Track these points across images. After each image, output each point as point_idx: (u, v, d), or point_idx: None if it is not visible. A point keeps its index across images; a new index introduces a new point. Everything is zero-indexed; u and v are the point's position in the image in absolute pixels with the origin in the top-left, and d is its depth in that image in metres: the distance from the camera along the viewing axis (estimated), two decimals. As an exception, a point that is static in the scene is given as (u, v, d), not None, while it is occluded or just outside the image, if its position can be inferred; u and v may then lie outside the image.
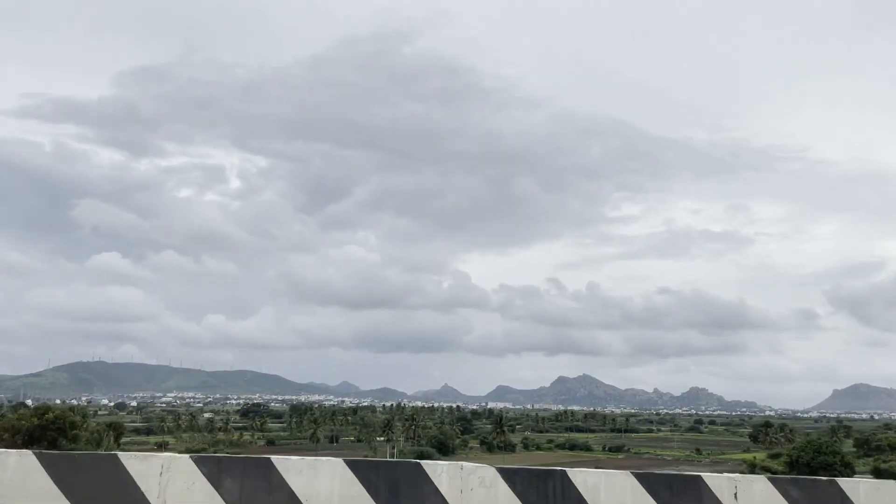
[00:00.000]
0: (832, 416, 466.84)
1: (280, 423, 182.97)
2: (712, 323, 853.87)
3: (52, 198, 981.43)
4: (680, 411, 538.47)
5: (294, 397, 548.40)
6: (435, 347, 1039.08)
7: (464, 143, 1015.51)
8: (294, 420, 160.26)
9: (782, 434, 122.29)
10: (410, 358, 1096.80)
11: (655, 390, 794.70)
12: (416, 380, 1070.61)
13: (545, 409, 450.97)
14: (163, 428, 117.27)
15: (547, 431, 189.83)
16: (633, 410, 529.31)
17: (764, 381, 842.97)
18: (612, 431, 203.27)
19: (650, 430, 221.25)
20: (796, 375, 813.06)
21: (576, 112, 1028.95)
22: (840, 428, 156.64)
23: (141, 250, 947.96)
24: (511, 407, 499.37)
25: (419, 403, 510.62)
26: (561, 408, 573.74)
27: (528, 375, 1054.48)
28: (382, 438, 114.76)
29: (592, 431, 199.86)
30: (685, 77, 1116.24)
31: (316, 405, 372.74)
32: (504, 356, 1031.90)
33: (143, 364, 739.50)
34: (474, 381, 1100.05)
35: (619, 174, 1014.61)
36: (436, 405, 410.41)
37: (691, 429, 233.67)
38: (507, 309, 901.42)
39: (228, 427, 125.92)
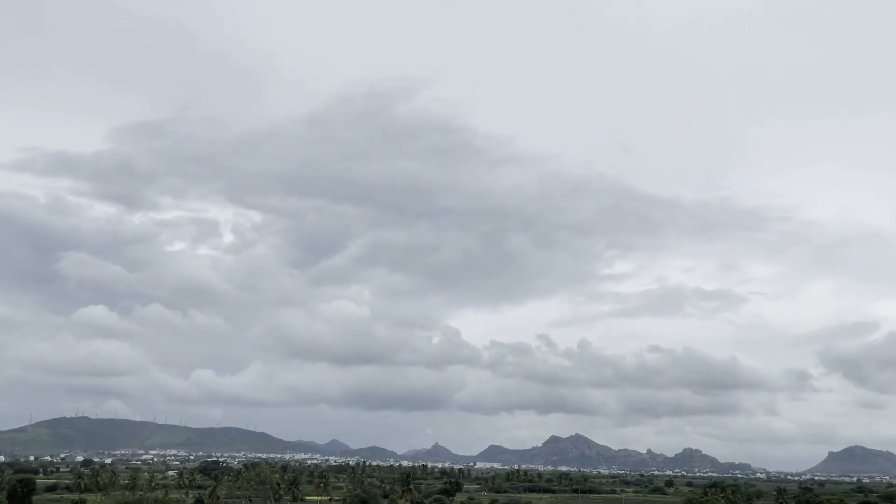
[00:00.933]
0: (821, 478, 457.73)
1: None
2: (705, 382, 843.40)
3: (42, 251, 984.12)
4: (671, 473, 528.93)
5: (279, 455, 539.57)
6: (426, 405, 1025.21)
7: (457, 200, 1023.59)
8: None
9: (723, 496, 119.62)
10: (401, 416, 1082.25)
11: (649, 451, 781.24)
12: (407, 438, 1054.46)
13: (532, 470, 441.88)
14: (79, 485, 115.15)
15: (505, 491, 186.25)
16: (621, 472, 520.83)
17: (758, 442, 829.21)
18: (574, 492, 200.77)
19: (613, 492, 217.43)
20: (791, 437, 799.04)
21: (567, 170, 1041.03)
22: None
23: (128, 303, 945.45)
24: (498, 467, 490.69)
25: (408, 463, 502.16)
26: (552, 468, 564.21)
27: (522, 434, 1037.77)
28: (289, 497, 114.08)
29: (552, 492, 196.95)
30: (675, 135, 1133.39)
31: (296, 463, 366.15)
32: (496, 414, 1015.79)
33: (128, 420, 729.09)
34: (466, 439, 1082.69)
35: (611, 232, 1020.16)
36: (428, 465, 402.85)
37: (656, 489, 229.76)
38: (498, 366, 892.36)
39: (182, 482, 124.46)
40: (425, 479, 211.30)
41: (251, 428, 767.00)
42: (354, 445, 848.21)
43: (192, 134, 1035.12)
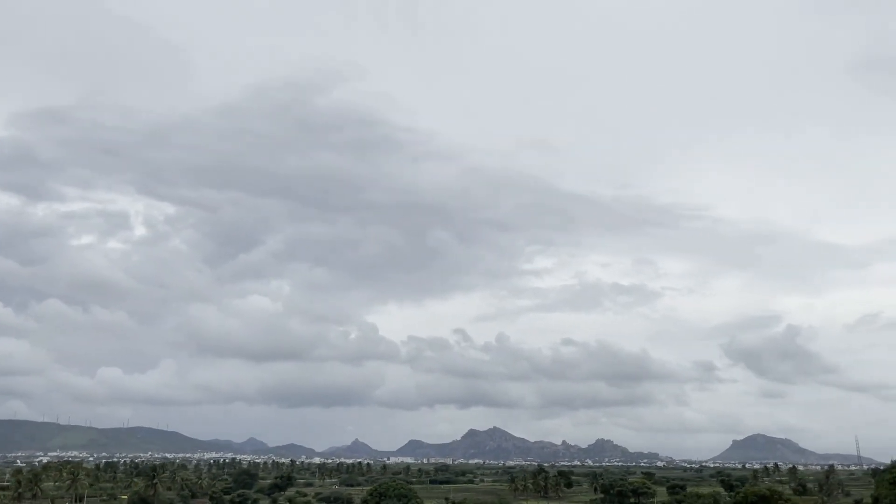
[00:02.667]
0: (713, 466, 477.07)
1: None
2: (619, 375, 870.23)
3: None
4: (576, 462, 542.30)
5: (189, 455, 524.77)
6: (345, 401, 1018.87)
7: (379, 194, 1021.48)
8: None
9: (532, 481, 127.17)
10: (320, 413, 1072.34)
11: (563, 442, 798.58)
12: (327, 435, 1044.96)
13: (442, 465, 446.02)
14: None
15: (358, 485, 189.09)
16: (535, 463, 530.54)
17: (668, 432, 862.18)
18: (431, 483, 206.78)
19: (470, 482, 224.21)
20: (699, 426, 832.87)
21: (489, 166, 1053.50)
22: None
23: (23, 299, 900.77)
24: (411, 461, 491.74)
25: (327, 460, 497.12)
26: (470, 461, 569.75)
27: (444, 429, 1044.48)
28: None
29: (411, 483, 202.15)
30: (593, 135, 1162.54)
31: (192, 463, 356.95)
32: (417, 409, 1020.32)
33: (28, 421, 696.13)
34: (386, 435, 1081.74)
35: (532, 228, 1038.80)
36: (345, 461, 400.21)
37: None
38: (417, 361, 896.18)
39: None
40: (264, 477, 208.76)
41: (162, 427, 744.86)
42: (273, 443, 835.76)
43: (100, 122, 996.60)
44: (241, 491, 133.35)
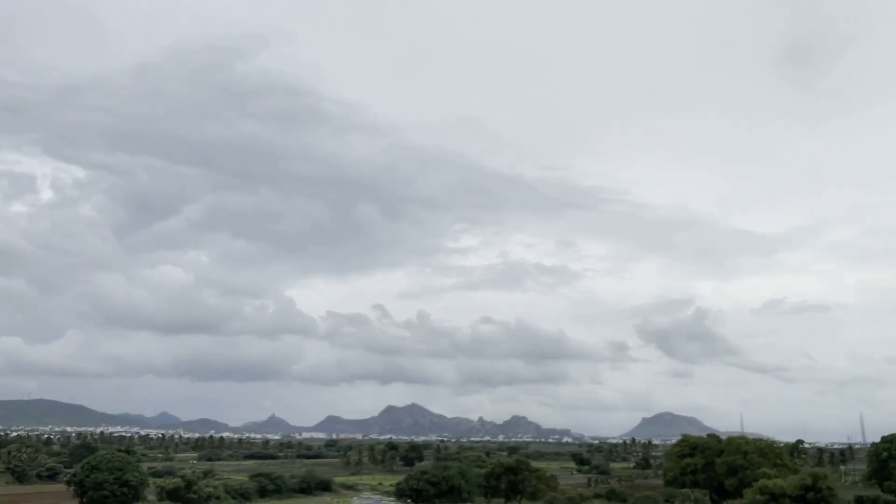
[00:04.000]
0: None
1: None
2: (537, 353, 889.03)
3: None
4: (487, 438, 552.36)
5: (94, 429, 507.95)
6: (262, 376, 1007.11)
7: (303, 166, 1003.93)
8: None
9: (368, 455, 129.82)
10: (235, 387, 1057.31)
11: (480, 419, 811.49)
12: (242, 410, 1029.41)
13: (353, 441, 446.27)
14: None
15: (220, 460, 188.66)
16: (453, 439, 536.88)
17: (582, 409, 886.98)
18: (299, 457, 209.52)
19: (344, 455, 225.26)
20: (611, 404, 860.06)
21: (416, 143, 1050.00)
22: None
23: None
24: (318, 436, 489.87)
25: (241, 435, 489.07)
26: (386, 437, 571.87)
27: (364, 405, 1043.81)
28: None
29: (275, 458, 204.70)
30: (520, 116, 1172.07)
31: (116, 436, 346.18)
32: (337, 385, 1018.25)
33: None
34: (304, 411, 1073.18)
35: (457, 207, 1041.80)
36: (261, 437, 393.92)
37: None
38: (335, 337, 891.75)
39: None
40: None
41: (66, 400, 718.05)
42: (186, 417, 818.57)
43: (2, 78, 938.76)
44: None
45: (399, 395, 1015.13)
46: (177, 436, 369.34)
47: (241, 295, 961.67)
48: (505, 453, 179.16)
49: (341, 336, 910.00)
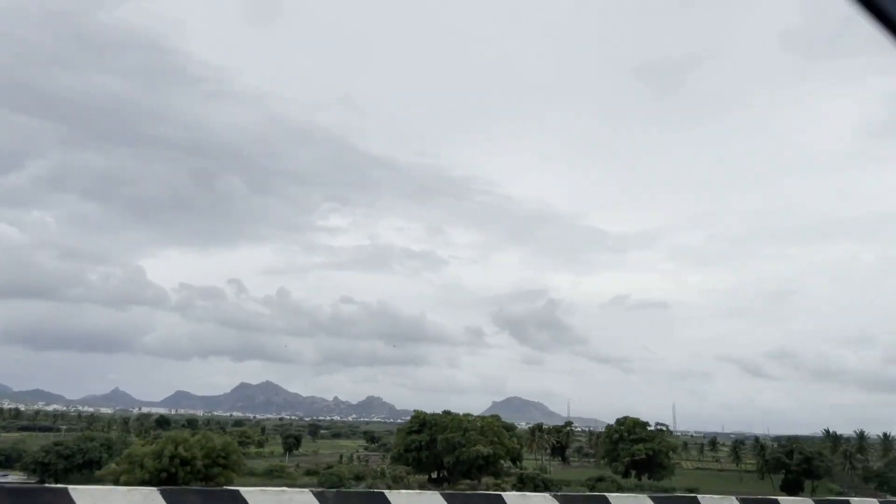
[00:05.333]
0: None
1: None
2: (397, 335, 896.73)
3: None
4: (336, 417, 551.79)
5: None
6: (107, 347, 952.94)
7: (167, 129, 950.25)
8: None
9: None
10: (76, 357, 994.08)
11: (335, 398, 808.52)
12: (83, 382, 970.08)
13: (206, 417, 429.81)
14: None
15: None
16: (305, 417, 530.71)
17: (437, 391, 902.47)
18: (70, 430, 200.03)
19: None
20: (466, 387, 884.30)
21: (289, 116, 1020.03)
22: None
23: None
24: (160, 412, 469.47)
25: (80, 408, 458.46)
26: (238, 415, 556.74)
27: (216, 381, 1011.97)
28: None
29: (49, 430, 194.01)
30: (397, 100, 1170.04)
31: None
32: (189, 360, 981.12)
33: None
34: (152, 385, 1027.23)
35: (329, 185, 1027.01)
36: (93, 409, 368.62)
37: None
38: (189, 310, 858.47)
39: None
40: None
41: None
42: (17, 388, 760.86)
43: None
44: None
45: (254, 373, 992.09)
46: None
47: (85, 260, 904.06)
48: (305, 430, 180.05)
49: (195, 309, 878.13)
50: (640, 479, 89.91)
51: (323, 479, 61.34)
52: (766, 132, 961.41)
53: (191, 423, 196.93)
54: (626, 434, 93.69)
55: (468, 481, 72.19)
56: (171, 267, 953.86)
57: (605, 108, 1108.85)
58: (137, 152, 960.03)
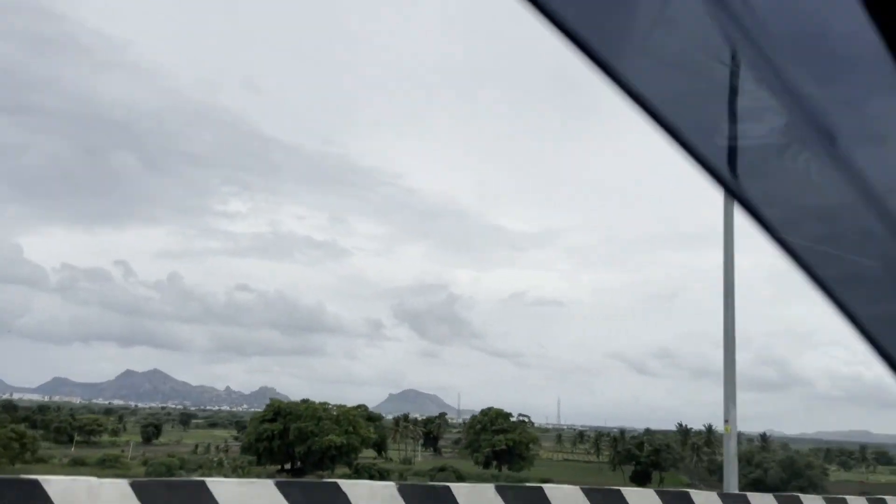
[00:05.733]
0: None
1: None
2: (295, 325, 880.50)
3: None
4: (225, 407, 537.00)
5: None
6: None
7: (54, 100, 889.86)
8: None
9: None
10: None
11: (227, 388, 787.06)
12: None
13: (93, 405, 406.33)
14: None
15: None
16: (193, 407, 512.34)
17: (333, 383, 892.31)
18: None
19: None
20: (364, 379, 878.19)
21: (188, 93, 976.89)
22: None
23: None
24: (35, 399, 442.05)
25: None
26: (119, 403, 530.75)
27: (100, 368, 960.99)
28: None
29: None
30: (303, 85, 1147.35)
31: None
32: (69, 344, 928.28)
33: None
34: (27, 370, 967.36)
35: (229, 168, 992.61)
36: None
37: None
38: (70, 291, 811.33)
39: None
40: None
41: None
42: None
43: None
44: None
45: (141, 360, 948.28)
46: None
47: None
48: (199, 420, 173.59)
49: (77, 291, 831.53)
50: (499, 470, 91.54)
51: (150, 469, 58.77)
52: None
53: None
54: (488, 424, 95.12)
55: (321, 472, 71.17)
56: (53, 245, 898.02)
57: (515, 104, 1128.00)
58: (20, 121, 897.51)
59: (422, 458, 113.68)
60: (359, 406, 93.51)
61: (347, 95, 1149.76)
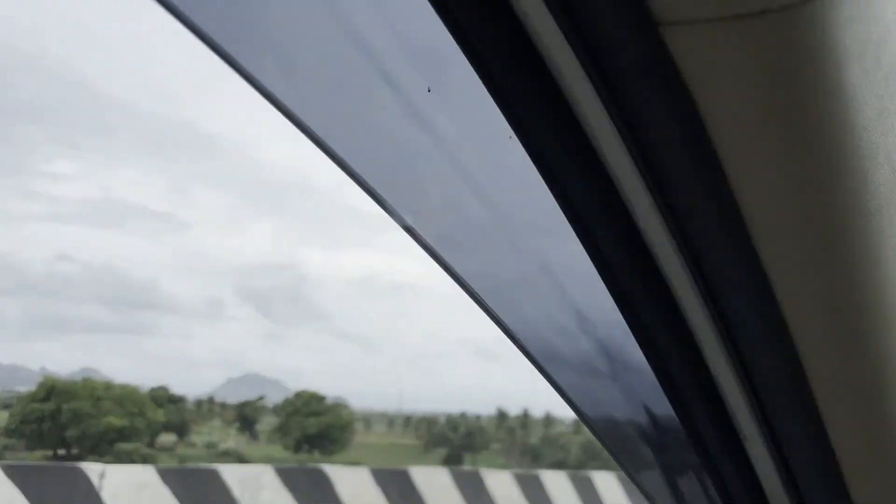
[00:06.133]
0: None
1: None
2: (123, 301, 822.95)
3: None
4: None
5: None
6: None
7: None
8: None
9: None
10: None
11: (42, 368, 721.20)
12: None
13: None
14: None
15: None
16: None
17: (166, 364, 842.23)
18: None
19: None
20: (198, 361, 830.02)
21: (8, 41, 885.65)
22: None
23: None
24: None
25: None
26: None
27: None
28: None
29: None
30: (144, 40, 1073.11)
31: None
32: None
33: None
34: None
35: (56, 125, 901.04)
36: None
37: None
38: None
39: None
40: None
41: None
42: None
43: None
44: None
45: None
46: None
47: None
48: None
49: None
50: (310, 454, 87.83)
51: None
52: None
53: None
54: (301, 407, 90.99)
55: (97, 457, 64.01)
56: None
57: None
58: None
59: (234, 443, 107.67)
60: (159, 387, 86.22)
61: (191, 56, 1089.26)
